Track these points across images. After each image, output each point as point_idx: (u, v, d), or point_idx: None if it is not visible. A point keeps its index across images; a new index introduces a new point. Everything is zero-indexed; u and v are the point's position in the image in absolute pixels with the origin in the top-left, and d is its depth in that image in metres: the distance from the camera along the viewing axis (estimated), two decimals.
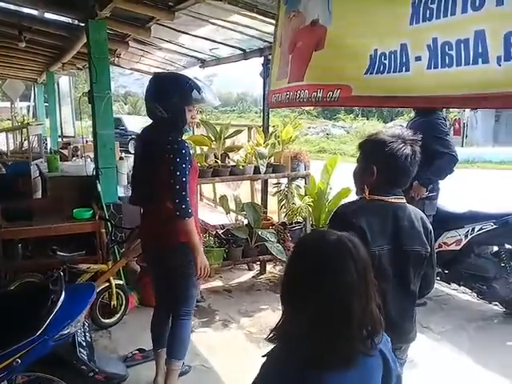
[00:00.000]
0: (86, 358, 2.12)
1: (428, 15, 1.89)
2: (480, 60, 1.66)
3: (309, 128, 25.70)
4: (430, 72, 1.87)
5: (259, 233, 4.35)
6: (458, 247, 4.01)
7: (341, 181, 4.46)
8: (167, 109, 2.58)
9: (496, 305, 4.16)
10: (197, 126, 4.35)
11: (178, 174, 2.47)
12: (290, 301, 1.22)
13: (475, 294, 4.22)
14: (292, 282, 1.23)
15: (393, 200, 1.89)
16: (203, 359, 3.29)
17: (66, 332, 2.01)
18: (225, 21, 4.01)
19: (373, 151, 1.95)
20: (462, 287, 4.36)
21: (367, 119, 25.82)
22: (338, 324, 1.14)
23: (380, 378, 1.24)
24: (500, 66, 1.59)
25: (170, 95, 2.57)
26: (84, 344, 2.19)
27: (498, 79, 1.60)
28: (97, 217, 3.83)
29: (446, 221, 4.05)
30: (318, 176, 4.89)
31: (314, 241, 1.29)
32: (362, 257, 1.20)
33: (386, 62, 2.08)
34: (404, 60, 1.99)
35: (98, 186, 4.04)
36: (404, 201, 1.92)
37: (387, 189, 1.90)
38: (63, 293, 2.00)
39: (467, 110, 20.03)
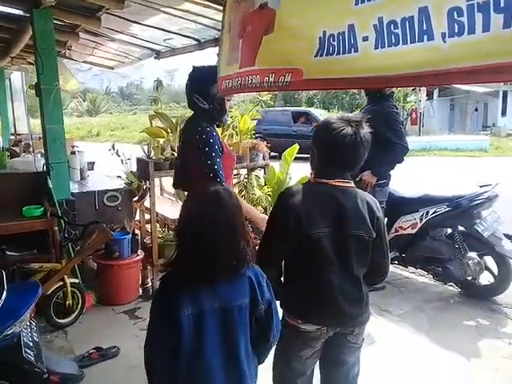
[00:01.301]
0: (32, 358, 2.03)
1: None
2: (425, 37, 1.66)
3: None
4: (377, 52, 1.86)
5: None
6: (414, 230, 4.10)
7: (301, 170, 4.47)
8: (207, 100, 2.76)
9: (452, 285, 4.28)
10: (152, 118, 4.24)
11: (209, 162, 2.56)
12: (178, 236, 1.61)
13: (431, 276, 4.33)
14: (181, 223, 1.61)
15: (336, 183, 1.87)
16: None
17: (9, 332, 1.91)
18: (176, 9, 3.92)
19: (316, 134, 1.97)
20: (418, 270, 4.47)
21: (328, 110, 26.07)
22: (207, 253, 1.50)
23: (248, 300, 1.56)
24: (445, 42, 1.59)
25: (210, 86, 2.76)
26: (31, 344, 2.09)
27: (444, 56, 1.61)
28: (48, 214, 3.68)
29: (401, 205, 4.14)
30: (278, 166, 4.89)
31: (197, 192, 1.70)
32: (231, 204, 1.58)
33: (335, 43, 2.06)
34: (352, 41, 1.98)
35: (49, 182, 3.89)
36: (351, 185, 1.90)
37: (330, 171, 1.90)
38: (4, 292, 1.90)
39: (423, 100, 20.60)
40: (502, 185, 4.21)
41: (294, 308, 1.97)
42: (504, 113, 24.00)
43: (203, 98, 2.76)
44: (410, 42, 1.73)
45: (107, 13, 4.27)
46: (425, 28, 1.67)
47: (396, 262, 4.45)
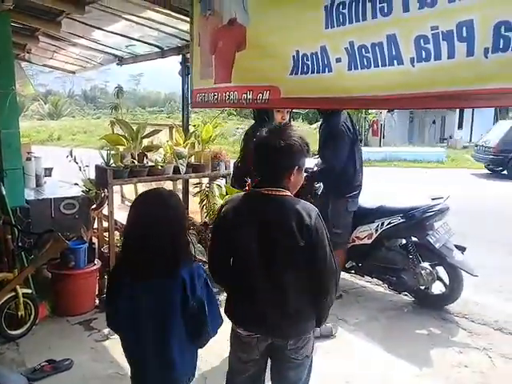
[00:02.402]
0: None
1: (341, 20, 1.96)
2: (395, 61, 1.75)
3: (237, 129, 25.75)
4: (351, 73, 1.94)
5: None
6: (370, 241, 4.21)
7: None
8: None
9: (406, 295, 4.40)
10: (111, 125, 4.19)
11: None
12: (124, 234, 1.82)
13: (386, 286, 4.44)
14: (127, 222, 1.75)
15: (266, 192, 1.92)
16: (118, 366, 3.16)
17: None
18: (139, 17, 3.90)
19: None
20: (374, 279, 4.57)
21: (293, 120, 26.34)
22: (147, 250, 1.66)
23: (179, 296, 1.67)
24: (414, 66, 1.68)
25: None
26: None
27: (414, 79, 1.69)
28: (1, 222, 3.56)
29: (359, 216, 4.23)
30: None
31: (140, 195, 1.86)
32: (171, 206, 1.73)
33: (309, 62, 2.13)
34: (326, 61, 2.04)
35: (2, 188, 3.77)
36: (282, 193, 1.92)
37: (261, 180, 1.97)
38: None
39: (384, 112, 21.16)
40: (455, 197, 4.37)
41: (230, 311, 2.04)
42: (460, 126, 24.94)
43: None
44: (382, 66, 1.81)
45: (68, 17, 4.20)
46: (394, 53, 1.76)
47: (353, 272, 4.55)
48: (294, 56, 2.20)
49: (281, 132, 1.93)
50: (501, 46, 1.49)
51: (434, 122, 24.74)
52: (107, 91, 51.06)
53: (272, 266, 1.89)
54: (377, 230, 4.18)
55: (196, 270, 1.75)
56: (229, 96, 2.75)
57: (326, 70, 2.05)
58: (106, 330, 3.67)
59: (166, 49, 4.72)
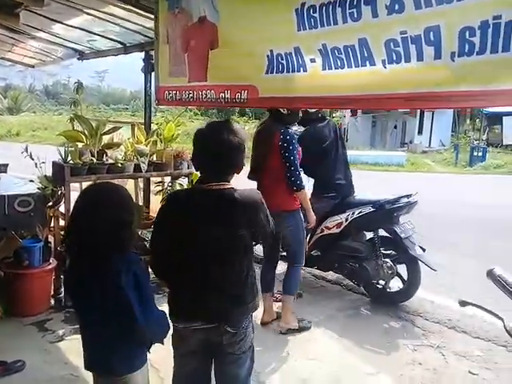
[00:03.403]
0: None
1: (313, 23, 2.00)
2: (367, 62, 1.80)
3: None
4: (325, 73, 1.98)
5: (139, 233, 4.21)
6: (339, 230, 4.31)
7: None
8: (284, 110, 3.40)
9: (364, 294, 4.50)
10: (70, 121, 4.08)
11: (292, 158, 3.42)
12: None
13: (346, 277, 4.55)
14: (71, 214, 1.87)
15: (209, 187, 1.96)
16: (72, 368, 3.09)
17: None
18: (100, 11, 3.82)
19: None
20: (334, 278, 4.65)
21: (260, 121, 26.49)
22: (79, 244, 1.79)
23: (114, 284, 1.72)
24: (386, 68, 1.73)
25: None
26: None
27: (386, 80, 1.74)
28: None
29: (331, 208, 4.30)
30: None
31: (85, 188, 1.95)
32: (110, 200, 1.79)
33: (284, 62, 2.15)
34: (300, 61, 2.08)
35: None
36: (226, 187, 1.97)
37: (202, 175, 2.02)
38: None
39: (347, 116, 21.56)
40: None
41: (171, 307, 2.06)
42: (420, 131, 25.66)
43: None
44: (355, 66, 1.86)
45: (26, 10, 4.07)
46: (366, 55, 1.82)
47: (315, 266, 4.61)
48: (268, 55, 2.22)
49: (230, 131, 1.95)
50: (466, 51, 1.57)
51: (395, 127, 25.37)
52: (70, 87, 49.65)
53: (212, 256, 1.93)
54: (347, 219, 4.29)
55: (135, 258, 1.83)
56: (206, 95, 2.75)
57: (301, 69, 2.09)
58: (61, 331, 3.59)
59: (128, 45, 4.64)
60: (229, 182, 2.00)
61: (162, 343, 1.94)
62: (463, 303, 1.47)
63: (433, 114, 26.34)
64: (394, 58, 1.73)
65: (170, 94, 3.00)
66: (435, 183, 13.42)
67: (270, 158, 3.49)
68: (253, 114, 28.85)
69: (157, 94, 3.08)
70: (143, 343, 1.88)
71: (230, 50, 2.46)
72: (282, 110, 3.44)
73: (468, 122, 28.08)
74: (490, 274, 1.40)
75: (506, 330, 1.27)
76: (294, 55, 2.10)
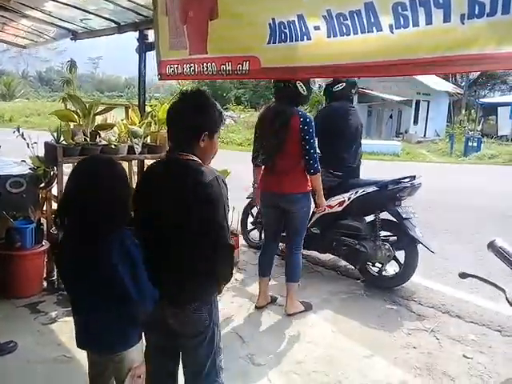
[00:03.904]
0: None
1: None
2: (374, 28, 1.74)
3: None
4: (330, 40, 1.91)
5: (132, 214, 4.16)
6: (340, 208, 4.31)
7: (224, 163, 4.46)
8: (306, 87, 3.49)
9: (359, 279, 4.49)
10: (62, 101, 4.00)
11: (313, 141, 3.46)
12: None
13: (343, 257, 4.55)
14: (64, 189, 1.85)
15: (173, 156, 1.91)
16: (65, 349, 3.07)
17: None
18: None
19: None
20: (331, 260, 4.67)
21: (255, 110, 26.30)
22: (71, 218, 1.79)
23: (114, 255, 1.70)
24: (393, 33, 1.68)
25: None
26: None
27: (394, 46, 1.69)
28: None
29: (335, 188, 4.31)
30: None
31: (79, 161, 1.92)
32: (100, 175, 1.75)
33: (287, 30, 2.09)
34: (304, 29, 2.01)
35: None
36: (188, 158, 1.86)
37: (172, 145, 1.97)
38: None
39: None
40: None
41: None
42: (416, 121, 25.67)
43: (305, 85, 3.47)
44: (361, 33, 1.80)
45: None
46: (372, 20, 1.76)
47: (313, 247, 4.60)
48: (270, 24, 2.15)
49: (193, 96, 1.91)
50: (476, 12, 1.53)
51: (391, 117, 25.34)
52: (64, 73, 49.28)
53: (167, 232, 1.86)
54: (349, 198, 4.29)
55: (120, 237, 1.76)
56: (206, 67, 2.67)
57: (305, 37, 2.02)
58: (54, 313, 3.56)
59: (122, 24, 4.53)
60: (197, 155, 1.89)
61: None
62: (464, 275, 1.44)
63: (428, 104, 26.33)
64: (402, 23, 1.67)
65: (171, 67, 2.93)
66: (430, 172, 13.42)
67: (289, 142, 3.45)
68: (248, 103, 28.77)
69: (159, 68, 3.00)
70: (137, 318, 1.85)
71: (230, 20, 2.39)
72: (301, 90, 3.46)
73: (463, 112, 28.10)
74: (491, 245, 1.38)
75: (508, 301, 1.25)
76: (297, 23, 2.03)
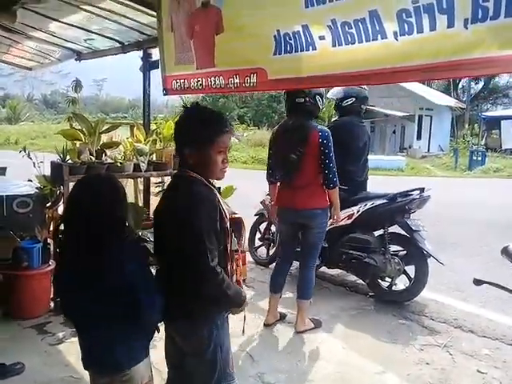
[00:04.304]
0: None
1: None
2: (379, 36, 1.75)
3: None
4: (335, 49, 1.92)
5: (140, 234, 4.14)
6: (350, 221, 4.26)
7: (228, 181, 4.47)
8: (323, 101, 3.62)
9: (368, 294, 4.43)
10: (68, 120, 4.03)
11: (332, 155, 3.47)
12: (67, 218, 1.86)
13: (352, 272, 4.50)
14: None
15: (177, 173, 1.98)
16: (72, 370, 3.01)
17: None
18: (98, 7, 3.77)
19: None
20: (340, 276, 4.59)
21: (258, 128, 26.50)
22: (69, 235, 1.85)
23: (125, 267, 1.72)
24: (398, 40, 1.68)
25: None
26: None
27: (399, 53, 1.70)
28: None
29: (343, 201, 4.25)
30: None
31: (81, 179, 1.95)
32: (91, 191, 1.77)
33: (292, 41, 2.10)
34: (309, 40, 2.02)
35: None
36: (180, 174, 1.92)
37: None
38: None
39: None
40: None
41: None
42: (419, 136, 25.71)
43: (321, 99, 3.58)
44: (366, 41, 1.81)
45: (23, 7, 4.03)
46: (377, 28, 1.77)
47: (321, 262, 4.53)
48: (275, 36, 2.17)
49: (184, 111, 1.91)
50: (479, 17, 1.53)
51: (394, 132, 25.40)
52: (68, 96, 49.82)
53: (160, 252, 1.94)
54: (358, 211, 4.25)
55: (124, 248, 1.78)
56: (214, 81, 2.69)
57: (310, 48, 2.03)
58: (61, 334, 3.52)
59: (126, 44, 4.60)
60: (192, 168, 1.85)
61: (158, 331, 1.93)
62: (478, 282, 1.41)
63: (431, 119, 26.41)
64: (406, 30, 1.68)
65: (177, 82, 2.94)
66: (436, 186, 13.36)
67: (308, 158, 3.45)
68: (251, 122, 29.03)
69: (164, 84, 3.02)
70: (145, 330, 1.84)
71: (236, 33, 2.41)
72: (319, 104, 3.54)
73: (466, 126, 28.16)
74: (505, 251, 1.35)
75: None
76: (302, 34, 2.04)
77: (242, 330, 2.22)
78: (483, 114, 28.63)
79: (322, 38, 1.98)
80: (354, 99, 4.46)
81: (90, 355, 1.85)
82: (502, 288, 1.36)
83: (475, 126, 28.83)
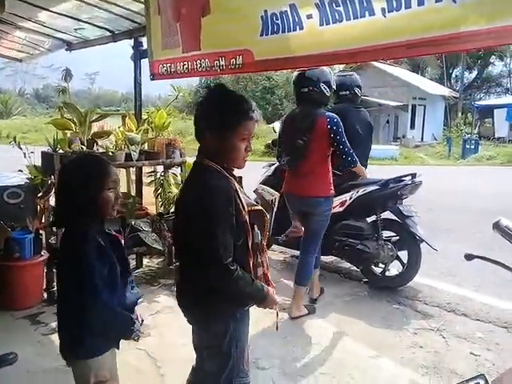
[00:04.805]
0: None
1: None
2: (367, 13, 1.73)
3: None
4: (323, 28, 1.91)
5: (132, 223, 4.14)
6: (342, 208, 4.26)
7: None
8: (331, 89, 3.68)
9: (362, 280, 4.44)
10: (58, 110, 3.99)
11: (344, 139, 3.55)
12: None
13: (345, 258, 4.51)
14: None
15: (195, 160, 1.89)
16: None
17: None
18: None
19: None
20: (333, 263, 4.60)
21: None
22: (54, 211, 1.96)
23: (89, 248, 1.68)
24: (385, 17, 1.67)
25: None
26: None
27: (385, 30, 1.68)
28: None
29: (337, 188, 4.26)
30: None
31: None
32: (69, 169, 1.82)
33: (279, 21, 2.08)
34: (296, 19, 2.00)
35: None
36: (196, 161, 1.83)
37: None
38: None
39: None
40: None
41: None
42: (413, 126, 25.76)
43: (329, 87, 3.63)
44: (353, 18, 1.80)
45: None
46: (365, 5, 1.75)
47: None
48: (262, 16, 2.15)
49: (206, 92, 1.83)
50: None
51: (387, 122, 25.41)
52: (59, 86, 49.29)
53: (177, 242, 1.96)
54: (351, 198, 4.25)
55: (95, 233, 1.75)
56: (200, 64, 2.66)
57: (297, 27, 2.02)
58: (54, 324, 3.49)
59: (117, 32, 4.55)
60: (206, 155, 1.77)
61: (125, 338, 1.84)
62: (469, 257, 1.41)
63: (424, 108, 26.43)
64: (395, 6, 1.67)
65: (164, 67, 2.92)
66: (429, 174, 13.42)
67: (316, 144, 3.50)
68: None
69: (151, 68, 2.99)
70: (96, 323, 1.71)
71: (222, 14, 2.39)
72: (325, 92, 3.58)
73: (460, 115, 28.21)
74: (497, 225, 1.35)
75: None
76: (289, 13, 2.03)
77: (275, 326, 2.18)
78: (476, 103, 28.70)
79: (309, 16, 1.96)
80: (346, 87, 4.43)
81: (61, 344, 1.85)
82: (494, 262, 1.36)
83: (468, 115, 28.89)
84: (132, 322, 1.79)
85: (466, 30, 1.50)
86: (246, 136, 1.74)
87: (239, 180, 1.92)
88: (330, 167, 3.64)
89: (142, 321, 1.96)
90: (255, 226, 1.80)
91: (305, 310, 3.74)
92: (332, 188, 3.62)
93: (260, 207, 1.81)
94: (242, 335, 1.89)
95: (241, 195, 1.75)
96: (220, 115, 1.70)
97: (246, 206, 1.74)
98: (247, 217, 1.73)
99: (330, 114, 3.59)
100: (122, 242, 2.02)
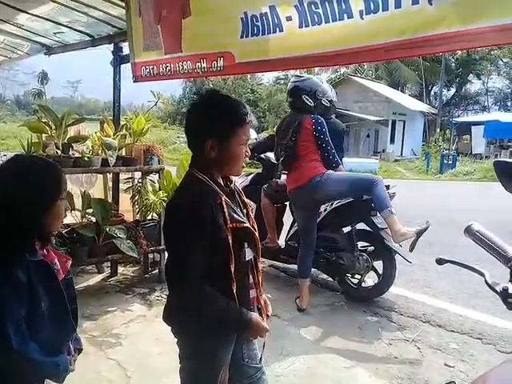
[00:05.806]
0: None
1: None
2: (345, 15, 1.74)
3: (178, 137, 25.46)
4: (302, 31, 1.91)
5: (107, 230, 4.06)
6: (317, 220, 4.21)
7: None
8: (313, 98, 4.01)
9: (338, 291, 4.45)
10: (35, 113, 3.92)
11: (327, 139, 3.90)
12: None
13: (321, 269, 4.50)
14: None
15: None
16: None
17: None
18: None
19: None
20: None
21: None
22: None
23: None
24: (363, 19, 1.68)
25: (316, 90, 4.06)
26: None
27: (363, 32, 1.69)
28: None
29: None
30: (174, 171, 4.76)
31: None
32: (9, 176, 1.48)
33: (259, 23, 2.08)
34: (276, 21, 2.01)
35: None
36: (187, 173, 1.71)
37: None
38: None
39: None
40: None
41: None
42: (392, 140, 26.17)
43: (312, 99, 4.00)
44: (332, 21, 1.81)
45: None
46: (343, 7, 1.76)
47: (292, 259, 4.51)
48: (242, 18, 2.15)
49: (198, 97, 1.68)
50: None
51: (368, 136, 25.77)
52: (42, 96, 48.79)
53: None
54: (325, 210, 4.25)
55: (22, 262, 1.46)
56: (182, 66, 2.66)
57: (277, 29, 2.03)
58: None
59: (97, 37, 4.51)
60: (201, 167, 1.65)
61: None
62: (440, 261, 1.40)
63: (404, 123, 26.90)
64: (372, 8, 1.68)
65: (146, 68, 2.91)
66: (408, 189, 13.60)
67: (303, 145, 3.90)
68: None
69: (133, 71, 2.97)
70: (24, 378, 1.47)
71: (203, 16, 2.39)
72: (307, 102, 3.97)
73: (438, 131, 28.76)
74: (468, 230, 1.35)
75: (488, 285, 1.21)
76: (269, 15, 2.04)
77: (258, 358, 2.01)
78: (454, 119, 29.30)
79: (288, 18, 1.97)
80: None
81: None
82: (465, 266, 1.36)
83: (447, 131, 29.48)
84: (55, 367, 1.53)
85: (441, 33, 1.52)
86: (245, 140, 1.66)
87: (239, 193, 1.81)
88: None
89: (80, 351, 1.78)
90: (245, 243, 1.69)
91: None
92: (305, 181, 3.93)
93: (246, 224, 1.66)
94: (206, 353, 1.70)
95: (226, 210, 1.59)
96: (221, 119, 1.60)
97: (229, 222, 1.59)
98: (228, 234, 1.58)
99: (315, 116, 3.93)
100: (68, 265, 1.68)
